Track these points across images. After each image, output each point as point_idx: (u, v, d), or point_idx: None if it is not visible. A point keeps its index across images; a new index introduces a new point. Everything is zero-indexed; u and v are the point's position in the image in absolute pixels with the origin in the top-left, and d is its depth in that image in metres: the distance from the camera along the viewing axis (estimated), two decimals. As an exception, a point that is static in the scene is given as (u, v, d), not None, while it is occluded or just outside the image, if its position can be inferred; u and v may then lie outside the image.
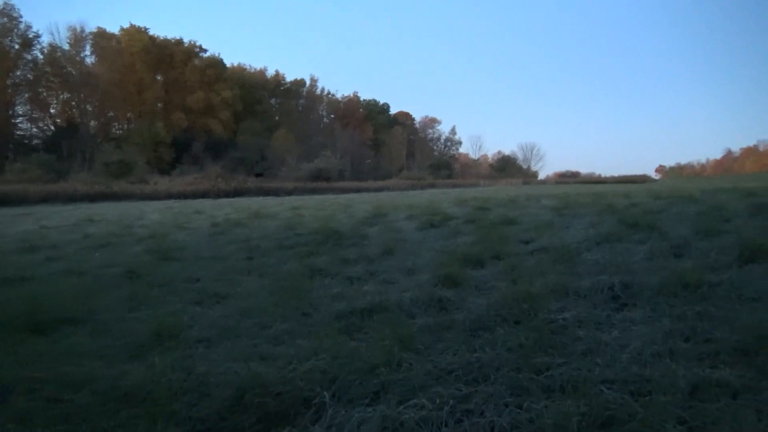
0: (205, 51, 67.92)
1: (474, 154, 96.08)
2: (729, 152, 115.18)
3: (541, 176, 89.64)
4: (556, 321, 3.09)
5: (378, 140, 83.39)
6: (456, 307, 3.61)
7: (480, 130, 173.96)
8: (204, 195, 36.57)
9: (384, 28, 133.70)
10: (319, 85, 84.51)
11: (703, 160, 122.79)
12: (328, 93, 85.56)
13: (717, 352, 2.40)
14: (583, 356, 2.54)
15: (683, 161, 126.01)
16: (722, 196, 10.49)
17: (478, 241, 6.32)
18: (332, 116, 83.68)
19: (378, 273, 5.02)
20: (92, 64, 58.29)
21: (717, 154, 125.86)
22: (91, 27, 57.99)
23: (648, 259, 4.59)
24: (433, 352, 2.75)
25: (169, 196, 35.48)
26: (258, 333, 3.32)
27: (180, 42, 65.58)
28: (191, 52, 66.17)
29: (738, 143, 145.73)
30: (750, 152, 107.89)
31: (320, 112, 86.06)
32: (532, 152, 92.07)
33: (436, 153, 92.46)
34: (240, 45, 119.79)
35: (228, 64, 71.54)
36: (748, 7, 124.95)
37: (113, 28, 60.75)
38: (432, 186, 56.10)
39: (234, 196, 36.51)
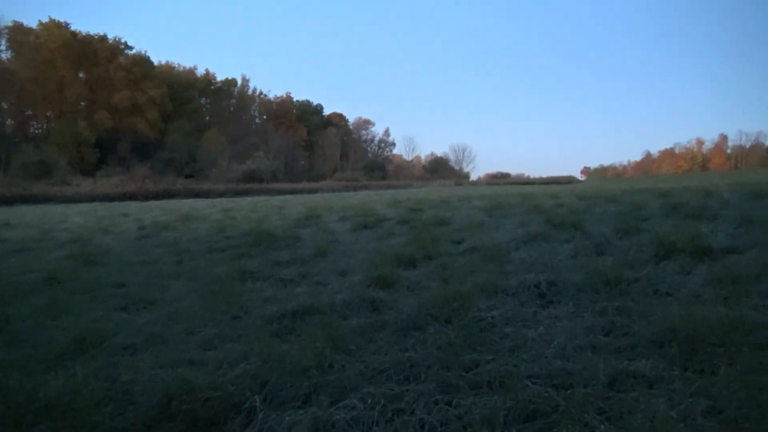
0: (131, 48, 74.18)
1: (407, 156, 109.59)
2: (648, 154, 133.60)
3: (473, 177, 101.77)
4: (485, 319, 3.60)
5: (312, 141, 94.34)
6: (388, 307, 4.09)
7: (413, 131, 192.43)
8: (130, 197, 39.80)
9: (316, 28, 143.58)
10: (251, 85, 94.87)
11: (625, 162, 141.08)
12: (261, 93, 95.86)
13: (634, 345, 2.92)
14: (510, 352, 2.98)
15: (606, 163, 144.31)
16: (641, 196, 12.08)
17: (410, 241, 7.09)
18: (265, 117, 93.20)
19: (311, 275, 5.57)
20: (8, 59, 62.76)
21: (637, 156, 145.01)
22: (7, 21, 62.28)
23: (572, 258, 5.34)
24: (365, 352, 3.12)
25: (93, 198, 38.31)
26: (187, 338, 3.62)
27: (104, 38, 70.84)
28: (116, 48, 71.82)
29: (656, 146, 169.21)
30: (667, 154, 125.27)
31: (252, 113, 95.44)
32: (463, 154, 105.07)
33: (369, 154, 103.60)
34: (168, 43, 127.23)
35: (155, 62, 78.48)
36: (680, 12, 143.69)
37: (31, 23, 65.41)
38: (366, 187, 62.28)
39: (162, 198, 39.60)
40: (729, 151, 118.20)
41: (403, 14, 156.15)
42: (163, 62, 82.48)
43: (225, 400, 2.52)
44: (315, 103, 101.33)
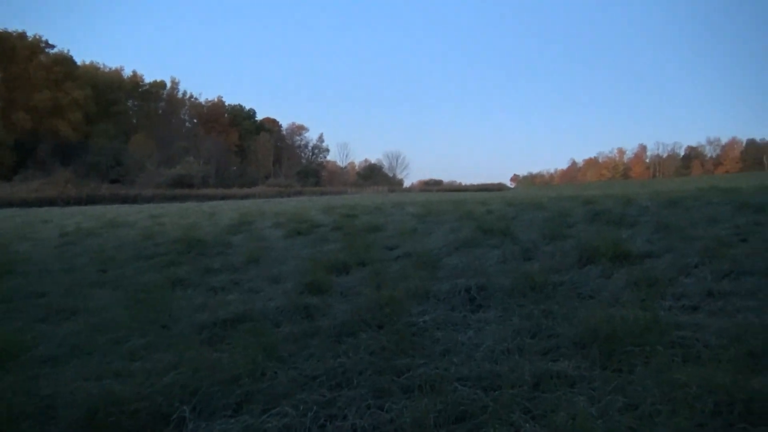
0: (53, 47, 71.36)
1: (341, 162, 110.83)
2: (574, 163, 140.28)
3: (407, 184, 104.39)
4: (417, 324, 3.68)
5: (244, 146, 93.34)
6: (321, 313, 4.11)
7: (347, 137, 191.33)
8: (51, 202, 39.01)
9: (249, 31, 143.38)
10: (181, 87, 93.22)
11: (552, 170, 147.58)
12: (191, 96, 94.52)
13: (558, 347, 3.06)
14: (441, 356, 3.07)
15: (535, 170, 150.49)
16: (567, 203, 12.69)
17: (344, 248, 7.13)
18: (195, 121, 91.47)
19: (243, 282, 5.54)
20: None
21: (564, 164, 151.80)
22: None
23: (501, 263, 5.54)
24: (298, 359, 3.13)
25: (11, 204, 37.16)
26: (112, 349, 3.50)
27: (23, 36, 67.93)
28: (36, 47, 68.92)
29: (581, 155, 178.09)
30: (591, 163, 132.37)
31: (182, 116, 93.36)
32: (397, 161, 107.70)
33: (303, 160, 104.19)
34: (93, 42, 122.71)
35: (79, 62, 76.13)
36: (598, 27, 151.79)
37: (-60, 17, 61.34)
38: (299, 193, 63.34)
39: (86, 204, 39.27)
40: (648, 160, 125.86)
41: (335, 19, 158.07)
42: (88, 62, 79.85)
43: (153, 411, 2.46)
44: (247, 107, 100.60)
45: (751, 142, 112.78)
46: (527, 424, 2.21)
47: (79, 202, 40.12)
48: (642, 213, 8.95)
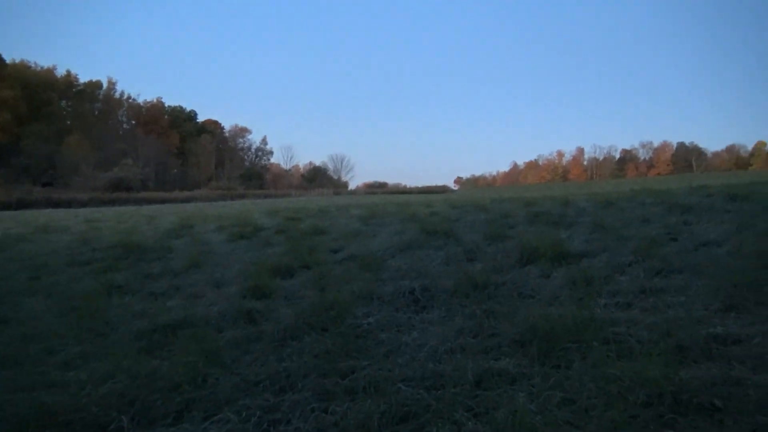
0: None
1: (285, 165, 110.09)
2: (515, 165, 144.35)
3: (351, 186, 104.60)
4: (361, 326, 3.72)
5: (185, 149, 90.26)
6: (265, 318, 4.08)
7: (292, 140, 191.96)
8: None
9: (190, 30, 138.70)
10: (119, 88, 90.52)
11: (495, 172, 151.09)
12: (129, 97, 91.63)
13: (499, 345, 3.15)
14: (385, 357, 3.10)
15: (478, 173, 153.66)
16: (508, 205, 13.00)
17: (288, 251, 7.12)
18: (134, 122, 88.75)
19: (184, 287, 5.46)
20: None
21: (505, 166, 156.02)
22: None
23: (445, 264, 5.64)
24: (241, 364, 3.10)
25: None
26: (45, 359, 3.39)
27: None
28: None
29: (523, 157, 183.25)
30: (532, 166, 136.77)
31: (120, 118, 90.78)
32: (342, 163, 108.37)
33: (247, 163, 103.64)
34: (22, 40, 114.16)
35: (8, 60, 72.50)
36: (531, 36, 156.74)
37: None
38: (243, 196, 62.66)
39: (17, 209, 37.73)
40: (585, 162, 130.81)
41: (277, 19, 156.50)
42: (17, 60, 76.02)
43: (89, 422, 2.40)
44: (188, 108, 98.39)
45: (681, 145, 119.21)
46: (469, 422, 2.26)
47: (9, 206, 38.35)
48: (580, 214, 9.29)
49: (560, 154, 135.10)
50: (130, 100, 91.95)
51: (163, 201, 49.37)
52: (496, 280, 4.59)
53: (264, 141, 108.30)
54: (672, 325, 3.11)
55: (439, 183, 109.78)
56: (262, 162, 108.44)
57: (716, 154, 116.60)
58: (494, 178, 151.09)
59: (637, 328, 3.19)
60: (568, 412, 2.24)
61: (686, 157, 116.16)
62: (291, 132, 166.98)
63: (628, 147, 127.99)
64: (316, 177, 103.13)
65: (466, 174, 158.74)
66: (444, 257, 5.94)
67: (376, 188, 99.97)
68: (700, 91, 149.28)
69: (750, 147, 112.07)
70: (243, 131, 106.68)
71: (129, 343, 3.63)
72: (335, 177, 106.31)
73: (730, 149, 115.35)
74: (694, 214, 8.00)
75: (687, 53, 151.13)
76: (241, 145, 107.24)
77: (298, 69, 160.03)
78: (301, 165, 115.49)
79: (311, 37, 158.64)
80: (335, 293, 4.35)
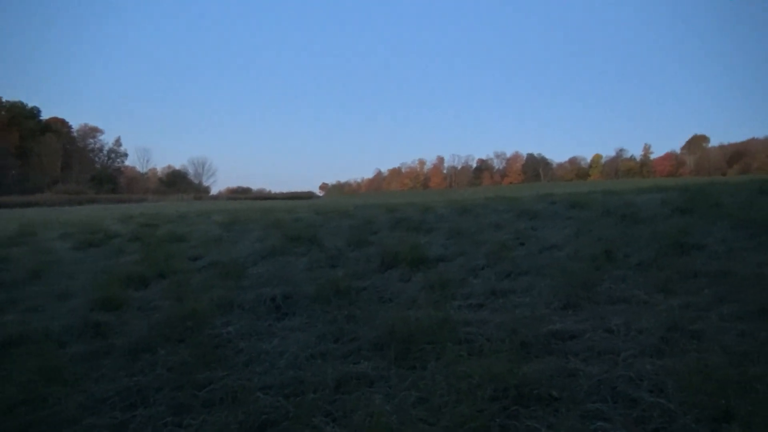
0: None
1: (142, 168, 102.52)
2: (379, 172, 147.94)
3: (214, 192, 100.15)
4: (220, 335, 3.63)
5: (25, 149, 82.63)
6: (115, 331, 3.89)
7: (148, 142, 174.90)
8: None
9: (33, 20, 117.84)
10: None
11: (359, 179, 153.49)
12: None
13: (359, 349, 3.24)
14: (244, 367, 3.07)
15: (343, 179, 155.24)
16: (372, 211, 13.33)
17: (143, 259, 6.85)
18: None
19: (22, 300, 5.12)
20: None
21: (370, 173, 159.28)
22: None
23: (307, 270, 5.66)
24: (87, 381, 2.92)
25: None
26: None
27: None
28: None
29: (386, 165, 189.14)
30: (395, 173, 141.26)
31: None
32: (203, 167, 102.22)
33: (98, 165, 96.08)
34: None
35: None
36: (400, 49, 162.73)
37: None
38: (93, 201, 58.99)
39: None
40: (445, 171, 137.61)
41: (131, 7, 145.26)
42: None
43: None
44: (30, 105, 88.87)
45: (531, 156, 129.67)
46: (328, 427, 2.31)
47: None
48: (438, 220, 9.78)
49: (422, 163, 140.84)
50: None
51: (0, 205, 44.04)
52: (358, 285, 4.70)
53: (118, 142, 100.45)
54: (518, 324, 3.40)
55: (305, 189, 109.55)
56: (116, 164, 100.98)
57: (560, 165, 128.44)
58: (359, 184, 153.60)
59: (487, 328, 3.44)
60: (422, 410, 2.37)
61: (535, 167, 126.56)
62: (148, 133, 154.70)
63: (484, 157, 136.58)
64: (176, 181, 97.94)
65: (331, 180, 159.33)
66: (307, 263, 5.98)
67: (240, 194, 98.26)
68: (546, 105, 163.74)
69: (589, 159, 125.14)
70: (94, 131, 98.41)
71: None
72: (196, 181, 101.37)
73: (573, 161, 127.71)
74: (540, 220, 8.78)
75: (535, 72, 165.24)
76: (91, 146, 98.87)
77: (156, 65, 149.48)
78: (159, 168, 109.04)
79: (169, 30, 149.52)
80: (193, 302, 4.23)
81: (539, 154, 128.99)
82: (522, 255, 5.78)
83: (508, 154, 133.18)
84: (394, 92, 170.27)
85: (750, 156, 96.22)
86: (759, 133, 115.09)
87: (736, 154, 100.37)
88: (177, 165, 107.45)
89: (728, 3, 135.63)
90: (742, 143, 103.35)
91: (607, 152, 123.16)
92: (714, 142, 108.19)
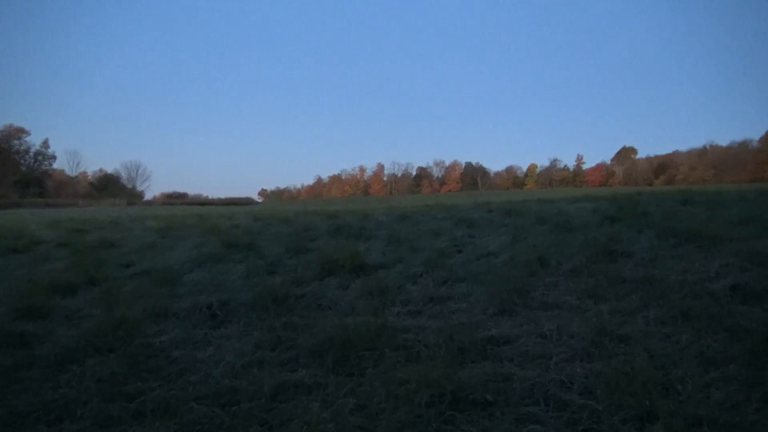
0: None
1: (71, 171, 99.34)
2: (319, 179, 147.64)
3: (148, 197, 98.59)
4: (153, 345, 3.52)
5: None
6: (40, 341, 3.72)
7: (79, 144, 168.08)
8: None
9: None
10: None
11: (299, 185, 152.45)
12: None
13: (297, 357, 3.22)
14: (178, 377, 2.99)
15: (283, 185, 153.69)
16: (311, 218, 13.31)
17: (71, 266, 6.60)
18: None
19: None
20: None
21: (310, 180, 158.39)
22: None
23: (245, 277, 5.57)
24: (8, 395, 2.78)
25: None
26: None
27: None
28: None
29: (326, 171, 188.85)
30: (335, 179, 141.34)
31: None
32: (137, 171, 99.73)
33: (23, 168, 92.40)
34: None
35: None
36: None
37: None
38: (18, 205, 57.34)
39: None
40: (385, 178, 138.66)
41: (58, 8, 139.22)
42: None
43: None
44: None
45: (469, 165, 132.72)
46: (264, 436, 2.27)
47: None
48: (378, 227, 9.84)
49: (362, 170, 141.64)
50: None
51: None
52: (297, 293, 4.67)
53: (45, 144, 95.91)
54: (454, 330, 3.46)
55: (243, 195, 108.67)
56: (43, 167, 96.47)
57: (498, 174, 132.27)
58: (299, 190, 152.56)
59: (425, 334, 3.48)
60: (360, 417, 2.37)
61: (473, 175, 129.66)
62: (78, 135, 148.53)
63: (423, 165, 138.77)
64: (108, 186, 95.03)
65: (270, 186, 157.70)
66: (244, 270, 5.88)
67: (176, 199, 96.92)
68: (484, 115, 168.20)
69: (525, 168, 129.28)
70: (19, 132, 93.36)
71: None
72: (129, 186, 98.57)
73: (509, 170, 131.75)
74: (477, 227, 8.99)
75: (474, 82, 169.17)
76: (16, 148, 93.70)
77: (87, 64, 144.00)
78: (89, 172, 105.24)
79: (100, 26, 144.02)
80: (125, 311, 4.10)
81: (477, 163, 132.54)
82: (459, 262, 5.89)
83: (447, 163, 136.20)
84: (335, 99, 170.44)
85: (674, 167, 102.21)
86: (682, 146, 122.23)
87: (662, 165, 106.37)
88: (109, 169, 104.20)
89: (653, 23, 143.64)
90: (668, 155, 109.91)
91: (542, 162, 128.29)
92: (642, 154, 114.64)
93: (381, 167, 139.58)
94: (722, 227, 6.45)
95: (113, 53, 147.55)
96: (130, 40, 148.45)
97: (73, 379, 2.96)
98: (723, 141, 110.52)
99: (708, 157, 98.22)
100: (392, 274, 5.45)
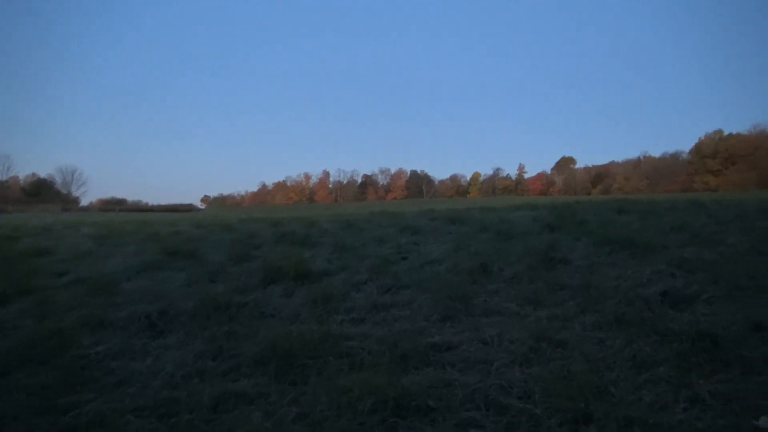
0: None
1: (1, 176, 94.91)
2: (264, 185, 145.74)
3: (84, 203, 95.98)
4: (88, 356, 3.42)
5: None
6: None
7: (9, 148, 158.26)
8: None
9: None
10: None
11: (243, 192, 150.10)
12: None
13: (239, 366, 3.18)
14: (115, 388, 2.91)
15: (226, 192, 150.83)
16: (255, 225, 13.12)
17: (0, 275, 6.13)
18: None
19: None
20: None
21: (254, 186, 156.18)
22: None
23: (186, 286, 5.45)
24: None
25: None
26: None
27: None
28: None
29: (271, 178, 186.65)
30: (280, 186, 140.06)
31: None
32: (73, 176, 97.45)
33: None
34: None
35: None
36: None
37: None
38: None
39: None
40: (331, 185, 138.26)
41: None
42: None
43: None
44: None
45: (414, 173, 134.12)
46: (204, 447, 2.23)
47: None
48: (323, 234, 9.80)
49: (307, 177, 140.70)
50: None
51: None
52: (239, 301, 4.59)
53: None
54: (398, 337, 3.49)
55: (185, 201, 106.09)
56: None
57: (442, 182, 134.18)
58: (243, 197, 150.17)
59: (369, 341, 3.50)
60: (302, 426, 2.38)
61: (418, 183, 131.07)
62: (8, 138, 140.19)
63: (369, 172, 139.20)
64: (41, 191, 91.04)
65: (213, 193, 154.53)
66: (185, 279, 5.75)
67: (114, 205, 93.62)
68: (429, 124, 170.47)
69: (468, 177, 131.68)
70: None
71: None
72: (64, 191, 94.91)
73: (453, 178, 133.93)
74: (422, 235, 9.10)
75: (419, 91, 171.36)
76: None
77: (18, 62, 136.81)
78: (21, 177, 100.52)
79: (31, 22, 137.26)
80: (58, 321, 3.97)
81: (422, 171, 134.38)
82: (404, 269, 5.94)
83: (393, 171, 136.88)
84: (279, 105, 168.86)
85: (611, 177, 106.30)
86: (618, 157, 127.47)
87: (599, 175, 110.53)
88: (42, 173, 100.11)
89: (590, 37, 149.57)
90: (604, 165, 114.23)
91: (486, 171, 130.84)
92: (580, 164, 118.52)
93: (326, 174, 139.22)
94: (654, 235, 6.79)
95: (46, 51, 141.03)
96: (66, 37, 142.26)
97: (2, 393, 2.84)
98: (656, 152, 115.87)
99: (642, 168, 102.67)
100: (337, 281, 5.45)
